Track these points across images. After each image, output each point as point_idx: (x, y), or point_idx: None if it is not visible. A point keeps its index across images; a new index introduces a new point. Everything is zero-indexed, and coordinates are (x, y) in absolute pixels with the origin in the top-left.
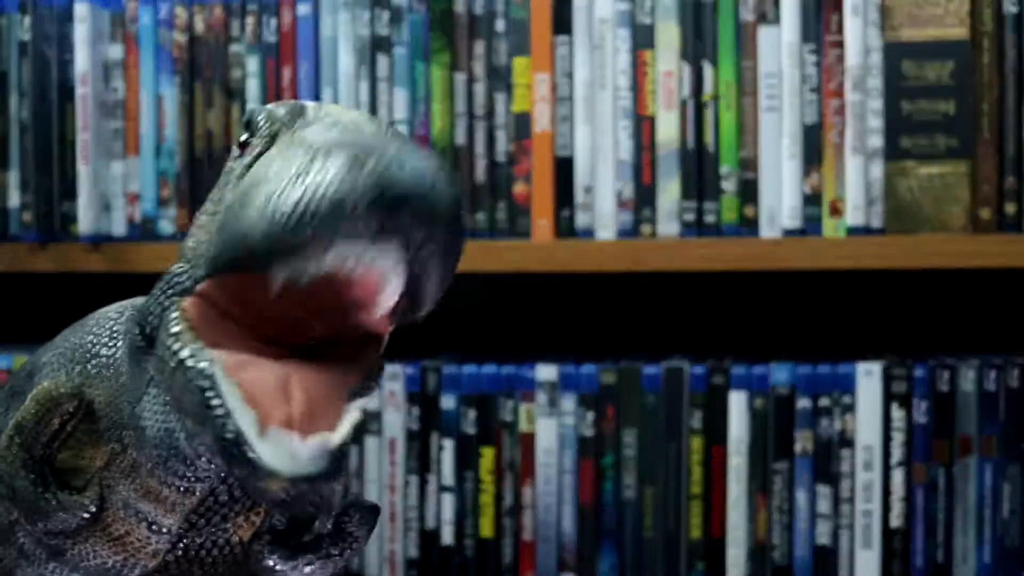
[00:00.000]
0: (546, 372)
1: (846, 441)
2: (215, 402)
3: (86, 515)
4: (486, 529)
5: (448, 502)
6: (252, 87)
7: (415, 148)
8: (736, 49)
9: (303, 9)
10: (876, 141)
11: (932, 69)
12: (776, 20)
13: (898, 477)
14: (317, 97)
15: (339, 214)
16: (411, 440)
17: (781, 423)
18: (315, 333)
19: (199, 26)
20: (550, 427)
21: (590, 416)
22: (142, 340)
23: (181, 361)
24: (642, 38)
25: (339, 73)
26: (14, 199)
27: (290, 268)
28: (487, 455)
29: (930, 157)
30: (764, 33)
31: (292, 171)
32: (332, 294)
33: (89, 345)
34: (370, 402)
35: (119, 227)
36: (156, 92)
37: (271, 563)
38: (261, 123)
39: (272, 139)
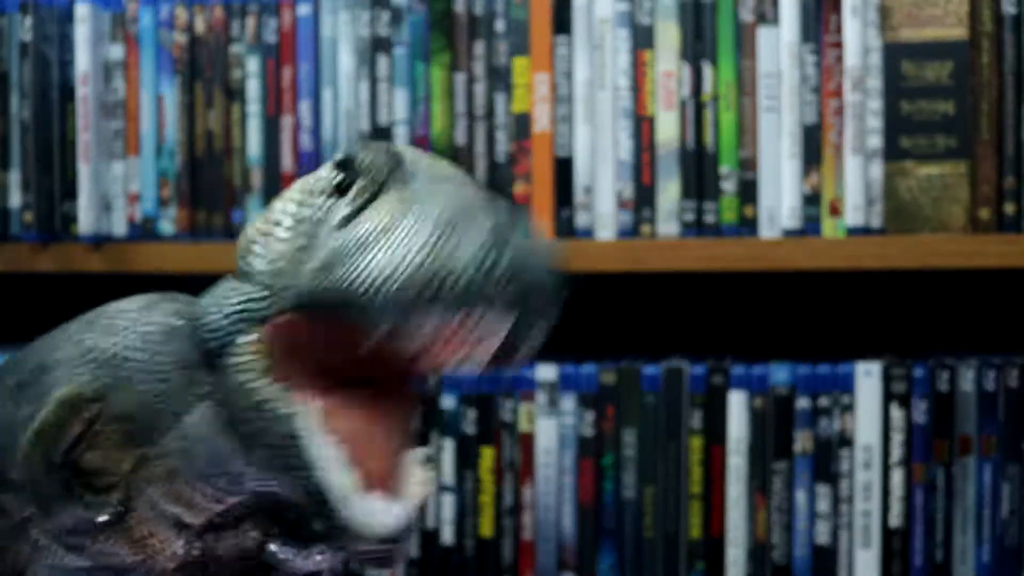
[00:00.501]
0: (546, 372)
1: (845, 441)
2: (305, 453)
3: (110, 516)
4: (486, 529)
5: (448, 502)
6: (252, 87)
7: (531, 226)
8: (736, 49)
9: (303, 9)
10: (875, 141)
11: (931, 69)
12: (775, 20)
13: (897, 477)
14: (317, 98)
15: (473, 289)
16: None
17: (781, 423)
18: (367, 371)
19: (199, 26)
20: (550, 427)
21: (590, 416)
22: (200, 355)
23: (264, 400)
24: (642, 38)
25: (339, 73)
26: (15, 199)
27: (399, 330)
28: (487, 455)
29: (929, 157)
30: (763, 33)
31: (424, 232)
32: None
33: (118, 348)
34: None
35: (120, 227)
36: (156, 92)
37: (282, 555)
38: (363, 169)
39: (379, 188)
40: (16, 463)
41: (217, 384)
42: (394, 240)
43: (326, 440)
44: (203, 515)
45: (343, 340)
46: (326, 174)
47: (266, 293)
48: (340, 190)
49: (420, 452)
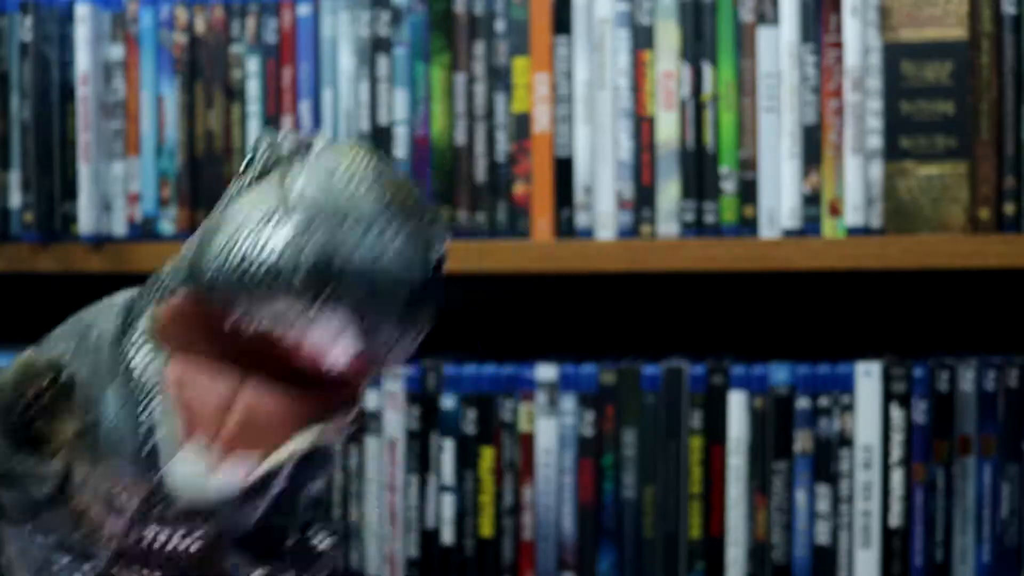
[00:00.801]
0: (546, 372)
1: (845, 441)
2: (147, 408)
3: (51, 484)
4: (486, 529)
5: (448, 502)
6: (252, 87)
7: (395, 222)
8: (735, 49)
9: (303, 9)
10: (875, 141)
11: (931, 69)
12: (775, 20)
13: (897, 477)
14: (317, 98)
15: (273, 278)
16: (411, 440)
17: (780, 423)
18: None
19: (200, 27)
20: (550, 427)
21: (590, 416)
22: (126, 327)
23: (137, 361)
24: (642, 38)
25: (339, 73)
26: (15, 199)
27: (237, 312)
28: (487, 455)
29: (929, 157)
30: (763, 33)
31: (256, 218)
32: (283, 346)
33: (89, 320)
34: (330, 438)
35: (120, 227)
36: (157, 92)
37: (233, 563)
38: (262, 152)
39: (266, 171)
40: None
41: (123, 354)
42: (235, 220)
43: (167, 397)
44: (132, 498)
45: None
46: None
47: (172, 270)
48: (244, 171)
49: (305, 435)
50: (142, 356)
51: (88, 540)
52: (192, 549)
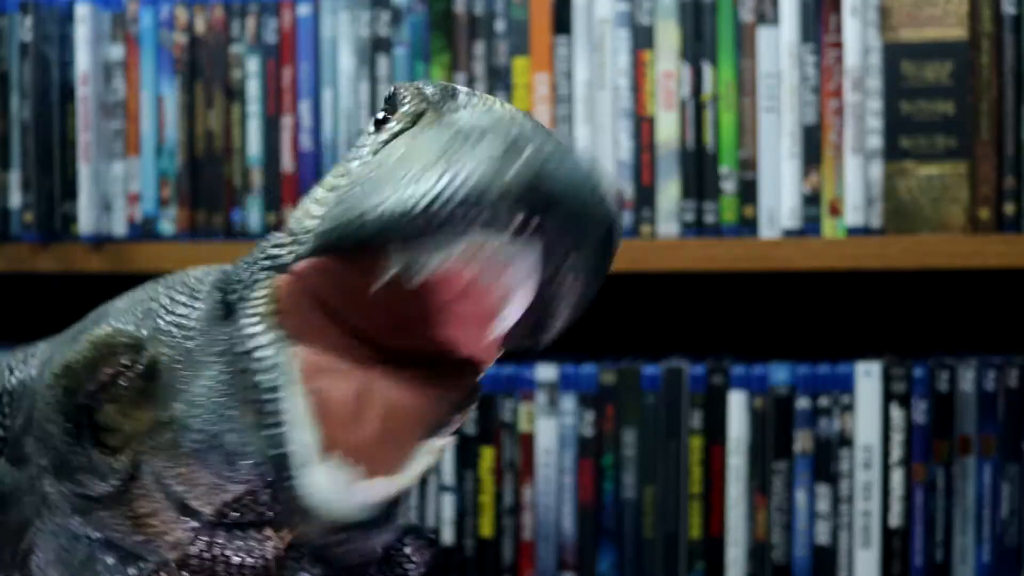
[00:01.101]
0: (546, 372)
1: (845, 441)
2: (275, 406)
3: (114, 481)
4: (486, 529)
5: (448, 502)
6: (252, 87)
7: (577, 152)
8: (735, 49)
9: (303, 10)
10: (875, 141)
11: (931, 70)
12: (775, 21)
13: (897, 477)
14: (317, 98)
15: (480, 200)
16: None
17: (780, 423)
18: (410, 343)
19: (199, 27)
20: (550, 427)
21: (590, 416)
22: (222, 308)
23: (256, 347)
24: (642, 38)
25: (339, 73)
26: (15, 199)
27: (409, 256)
28: (487, 455)
29: (929, 157)
30: (763, 33)
31: (435, 151)
32: (447, 300)
33: (166, 299)
34: (448, 440)
35: (120, 227)
36: (157, 92)
37: None
38: (406, 100)
39: (416, 119)
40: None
41: (229, 341)
42: (406, 159)
43: (301, 394)
44: (210, 502)
45: (365, 290)
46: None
47: (290, 239)
48: (379, 124)
49: (437, 444)
50: (255, 341)
51: (145, 546)
52: (266, 560)
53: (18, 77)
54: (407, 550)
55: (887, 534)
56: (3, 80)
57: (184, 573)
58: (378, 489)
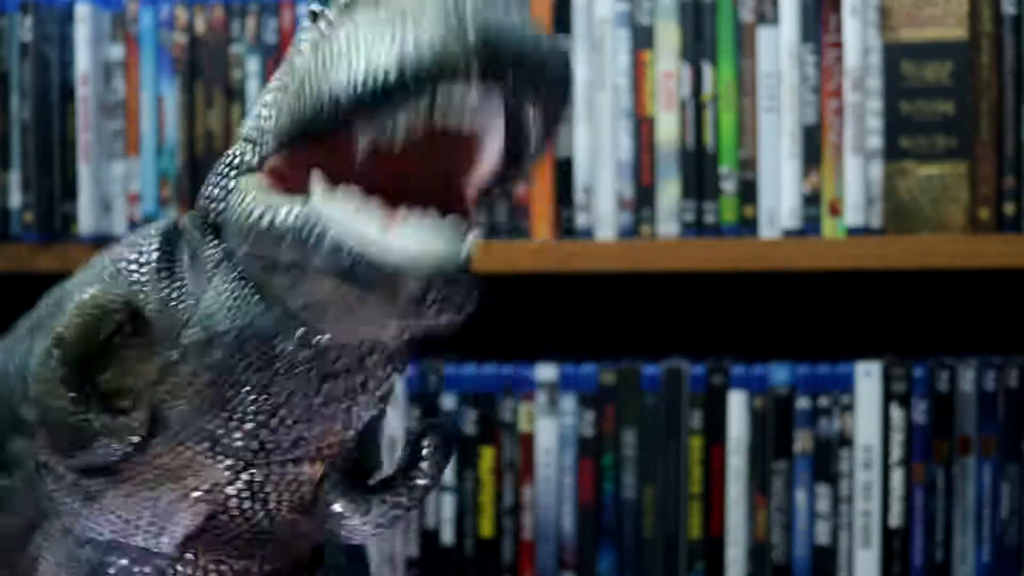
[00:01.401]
0: (546, 372)
1: (845, 441)
2: (322, 220)
3: (134, 439)
4: (486, 529)
5: (448, 502)
6: (252, 87)
7: (514, 8)
8: (735, 49)
9: (303, 10)
10: (875, 141)
11: (931, 69)
12: (775, 21)
13: (897, 477)
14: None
15: (442, 55)
16: None
17: (780, 423)
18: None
19: (200, 27)
20: (550, 427)
21: (590, 416)
22: (206, 230)
23: (269, 207)
24: (642, 38)
25: None
26: (15, 199)
27: (383, 122)
28: (487, 455)
29: (929, 157)
30: (763, 33)
31: (382, 25)
32: (423, 157)
33: (130, 258)
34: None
35: (120, 227)
36: (157, 92)
37: (338, 508)
38: None
39: (350, 7)
40: (30, 400)
41: (229, 240)
42: (355, 39)
43: (338, 199)
44: (246, 424)
45: (341, 168)
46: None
47: (250, 145)
48: (314, 18)
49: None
50: (262, 209)
51: (180, 506)
52: (303, 492)
53: (18, 77)
54: (427, 451)
55: (887, 534)
56: (3, 80)
57: (217, 543)
58: (452, 226)
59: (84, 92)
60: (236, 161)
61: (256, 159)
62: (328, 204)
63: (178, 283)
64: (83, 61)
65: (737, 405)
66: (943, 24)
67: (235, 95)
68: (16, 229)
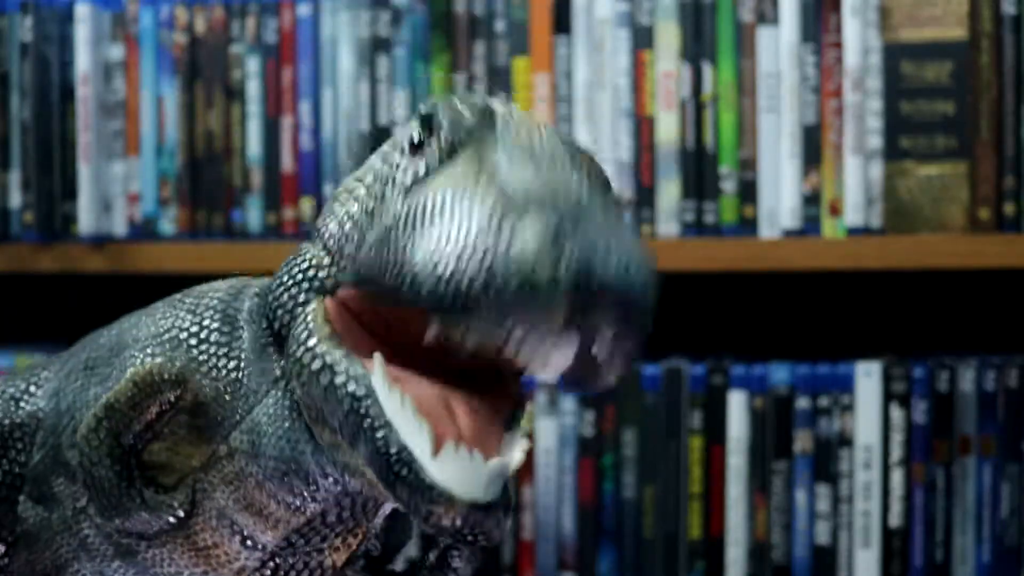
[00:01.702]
0: None
1: (845, 441)
2: (374, 412)
3: (172, 519)
4: None
5: None
6: (252, 87)
7: (617, 217)
8: (735, 49)
9: (303, 10)
10: (875, 141)
11: (931, 69)
12: (775, 21)
13: (897, 477)
14: (317, 98)
15: (526, 295)
16: None
17: (780, 423)
18: (448, 359)
19: (200, 27)
20: (550, 427)
21: (590, 416)
22: (269, 336)
23: (328, 366)
24: (642, 38)
25: (339, 73)
26: (15, 199)
27: (453, 326)
28: None
29: (929, 157)
30: (763, 33)
31: (477, 219)
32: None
33: (195, 328)
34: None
35: (120, 227)
36: (157, 92)
37: None
38: (444, 127)
39: (453, 149)
40: (76, 445)
41: (287, 366)
42: (450, 218)
43: (396, 397)
44: (280, 530)
45: (411, 321)
46: (412, 127)
47: (329, 260)
48: (415, 148)
49: (521, 438)
50: (328, 363)
51: None
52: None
53: (18, 77)
54: (460, 556)
55: (887, 534)
56: (3, 80)
57: None
58: (496, 467)
59: (84, 92)
60: (310, 271)
61: (331, 282)
62: (386, 394)
63: (235, 373)
64: (83, 61)
65: (737, 405)
66: (943, 24)
67: (235, 95)
68: (16, 229)
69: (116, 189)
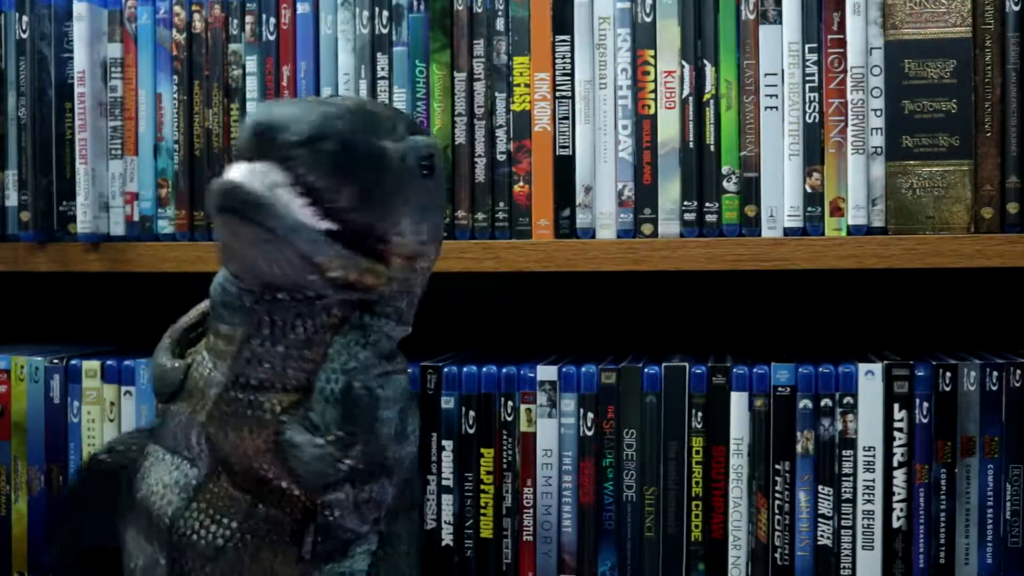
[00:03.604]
0: (546, 372)
1: (847, 441)
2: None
3: (177, 377)
4: (486, 529)
5: (448, 502)
6: (251, 86)
7: (306, 103)
8: (737, 48)
9: (302, 8)
10: (877, 140)
11: (934, 68)
12: (777, 19)
13: (900, 478)
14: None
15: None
16: None
17: (782, 423)
18: None
19: (198, 25)
20: (550, 427)
21: (590, 416)
22: None
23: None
24: (642, 37)
25: (339, 72)
26: (12, 198)
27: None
28: (487, 455)
29: (932, 156)
30: (765, 32)
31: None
32: None
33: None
34: None
35: (118, 227)
36: (155, 91)
37: (297, 438)
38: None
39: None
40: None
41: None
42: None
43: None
44: (226, 359)
45: None
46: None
47: None
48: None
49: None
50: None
51: (194, 417)
52: (268, 419)
53: (15, 75)
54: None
55: (889, 535)
56: (0, 79)
57: None
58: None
59: (81, 91)
60: None
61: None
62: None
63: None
64: (81, 59)
65: (738, 405)
66: (946, 22)
67: (234, 93)
68: (13, 228)
69: (114, 188)
